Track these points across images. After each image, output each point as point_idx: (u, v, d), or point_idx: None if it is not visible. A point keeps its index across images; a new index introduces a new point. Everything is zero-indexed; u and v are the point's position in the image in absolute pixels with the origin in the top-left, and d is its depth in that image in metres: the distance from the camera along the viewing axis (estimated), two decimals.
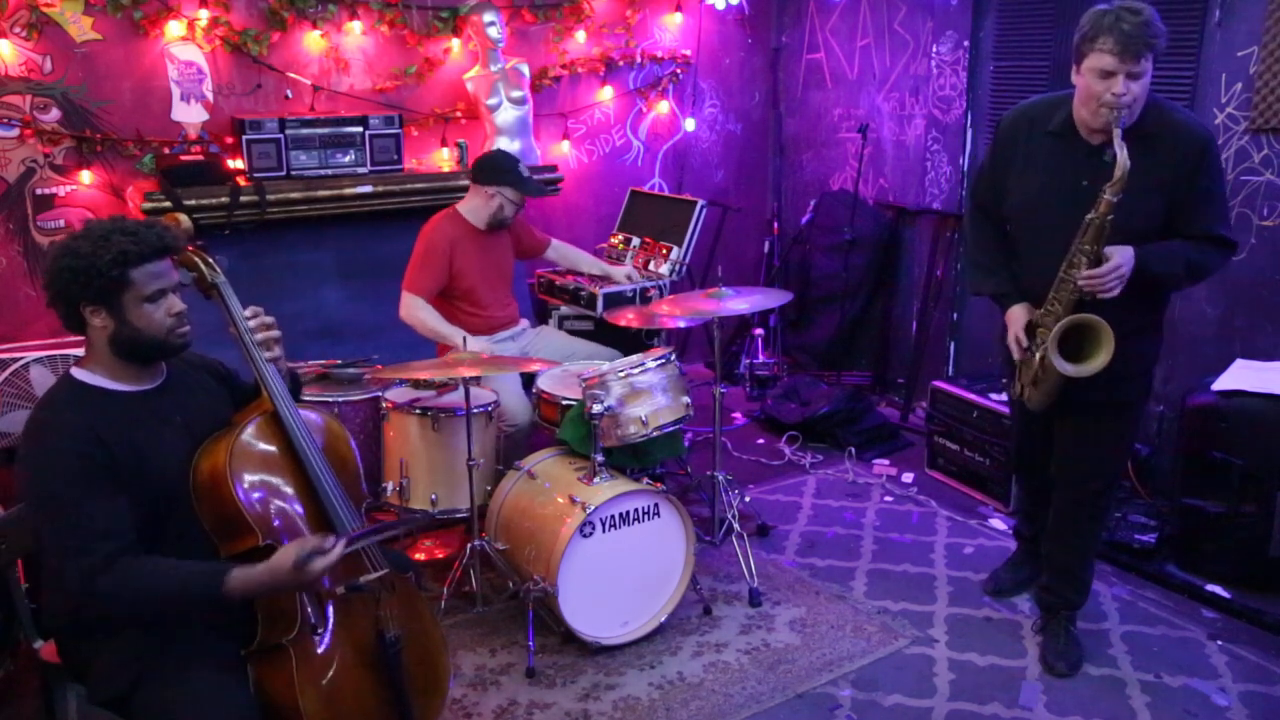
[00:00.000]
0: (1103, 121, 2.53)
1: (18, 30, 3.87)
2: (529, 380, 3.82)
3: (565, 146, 5.17)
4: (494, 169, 3.84)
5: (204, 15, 4.15)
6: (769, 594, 3.41)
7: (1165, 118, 2.61)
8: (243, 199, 4.00)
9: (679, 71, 5.44)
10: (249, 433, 2.13)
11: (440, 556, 3.66)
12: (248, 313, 2.23)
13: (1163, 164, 2.57)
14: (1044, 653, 3.05)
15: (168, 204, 3.80)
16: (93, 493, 1.92)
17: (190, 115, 4.25)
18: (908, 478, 4.38)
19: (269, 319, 2.27)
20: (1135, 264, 2.55)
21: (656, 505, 3.12)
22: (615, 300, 4.25)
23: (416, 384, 3.46)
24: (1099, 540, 3.16)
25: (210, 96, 4.27)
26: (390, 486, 3.36)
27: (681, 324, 3.94)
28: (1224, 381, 3.42)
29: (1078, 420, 2.88)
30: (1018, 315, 2.80)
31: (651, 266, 4.63)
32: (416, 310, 3.73)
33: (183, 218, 2.27)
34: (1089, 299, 2.59)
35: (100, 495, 1.92)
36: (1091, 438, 2.89)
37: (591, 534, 3.00)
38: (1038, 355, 2.73)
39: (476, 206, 3.87)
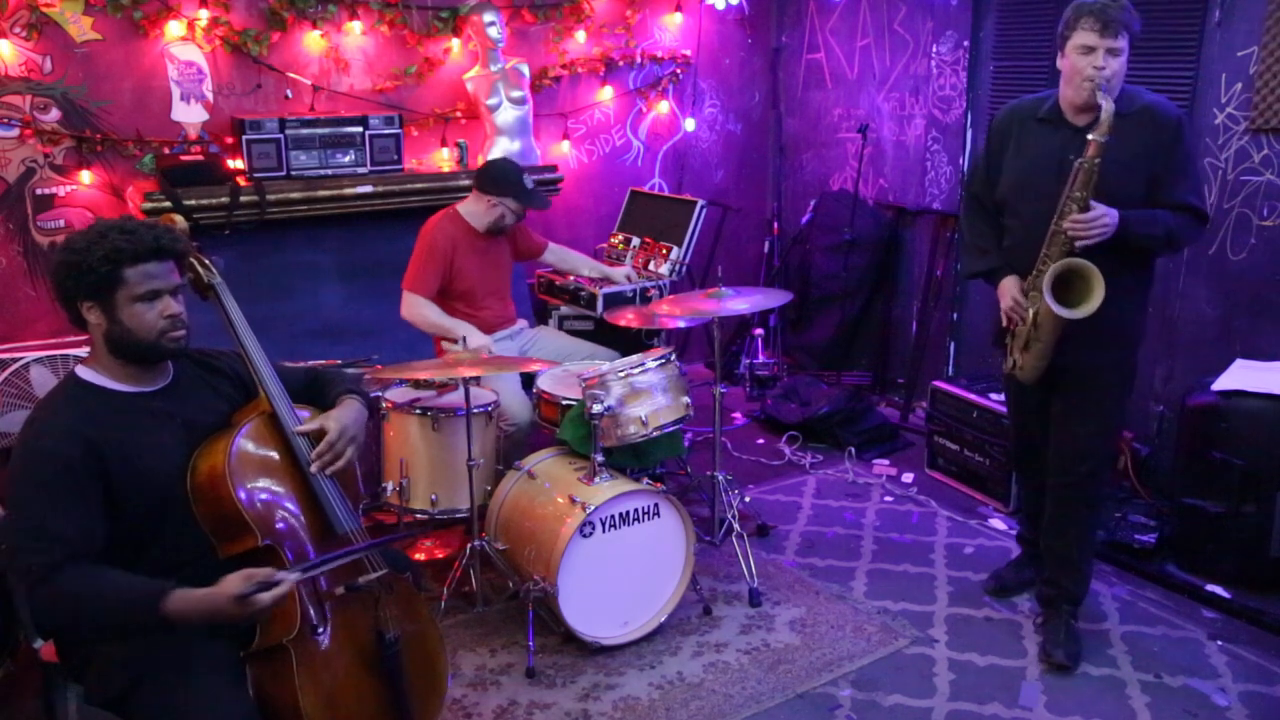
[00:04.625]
0: (1086, 95, 2.71)
1: (18, 30, 3.87)
2: (529, 380, 3.82)
3: (565, 146, 5.17)
4: (499, 180, 3.82)
5: (204, 15, 4.15)
6: (769, 594, 3.41)
7: (1139, 100, 2.80)
8: (243, 199, 4.00)
9: (679, 71, 5.44)
10: (247, 433, 2.12)
11: (440, 556, 3.66)
12: (302, 427, 2.18)
13: (1140, 141, 2.74)
14: (1043, 645, 3.06)
15: (168, 204, 3.80)
16: (60, 497, 1.91)
17: (190, 115, 4.25)
18: (908, 478, 4.38)
19: (336, 447, 2.18)
20: (1119, 224, 2.69)
21: (656, 505, 3.12)
22: (615, 300, 4.25)
23: (416, 384, 3.46)
24: (1095, 528, 3.22)
25: (210, 96, 4.27)
26: (390, 486, 3.36)
27: (681, 324, 3.94)
28: (1224, 381, 3.42)
29: (1067, 397, 2.98)
30: (1010, 285, 2.95)
31: (651, 266, 4.63)
32: (419, 308, 3.73)
33: (178, 218, 2.26)
34: (1078, 251, 2.71)
35: (66, 500, 1.91)
36: (1081, 416, 2.97)
37: (591, 534, 3.00)
38: (1031, 312, 2.84)
39: (477, 211, 3.87)
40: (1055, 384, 2.97)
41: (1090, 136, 2.64)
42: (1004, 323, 2.99)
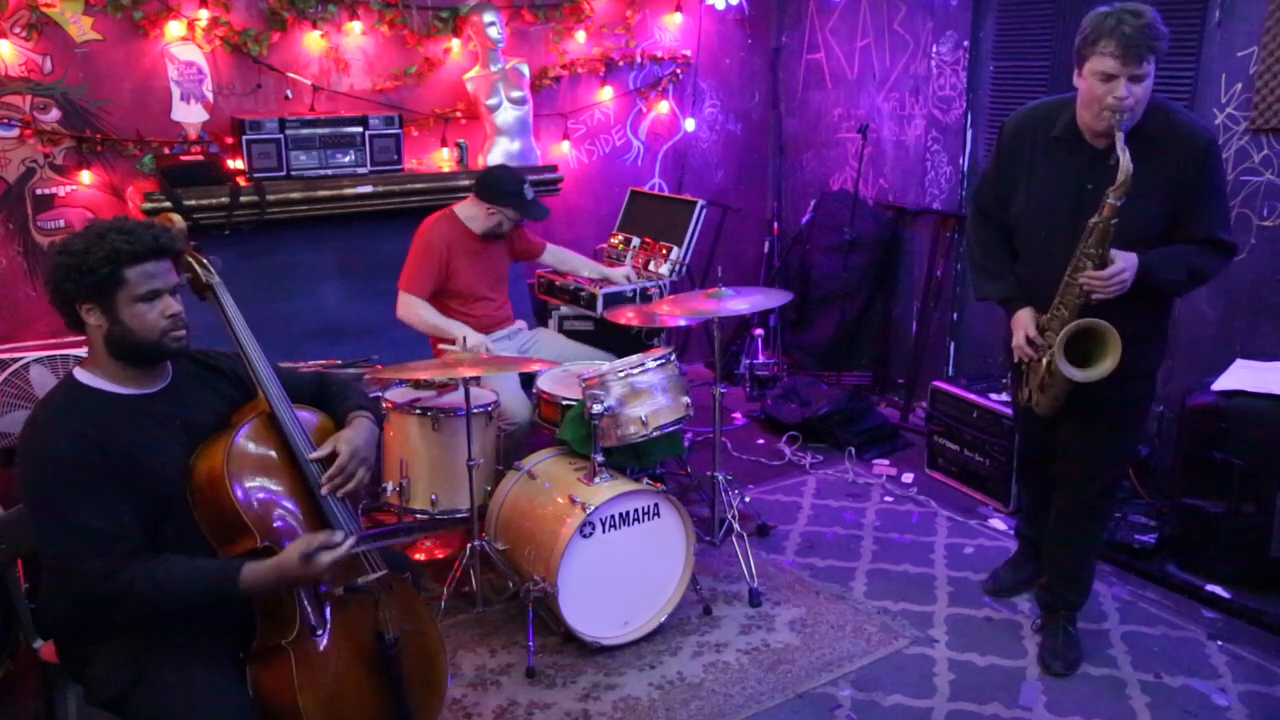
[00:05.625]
0: (1105, 125, 2.52)
1: (18, 30, 3.87)
2: (528, 379, 3.82)
3: (565, 146, 5.17)
4: (498, 190, 3.81)
5: (204, 15, 4.15)
6: (769, 594, 3.41)
7: (1168, 119, 2.61)
8: (243, 199, 4.00)
9: (679, 71, 5.44)
10: (246, 434, 2.12)
11: (440, 556, 3.66)
12: (316, 453, 2.17)
13: (1166, 166, 2.57)
14: (1042, 652, 3.05)
15: (167, 204, 3.80)
16: (89, 497, 1.91)
17: (190, 115, 4.25)
18: (908, 478, 4.38)
19: (348, 469, 2.17)
20: (1139, 270, 2.55)
21: (656, 505, 3.12)
22: (615, 300, 4.25)
23: (416, 384, 3.46)
24: (1100, 542, 3.16)
25: (210, 96, 4.27)
26: (390, 487, 3.36)
27: (682, 322, 3.93)
28: (1224, 381, 3.42)
29: (1081, 422, 2.87)
30: (1025, 319, 2.80)
31: (651, 267, 4.62)
32: (415, 308, 3.73)
33: (176, 218, 2.26)
34: (1094, 303, 2.59)
35: (97, 499, 1.92)
36: (1094, 439, 2.88)
37: (591, 534, 3.00)
38: (1044, 360, 2.72)
39: (476, 216, 3.87)
40: (1072, 408, 2.82)
41: (1108, 200, 2.47)
42: (1016, 358, 2.85)
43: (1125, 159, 2.44)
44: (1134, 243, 2.56)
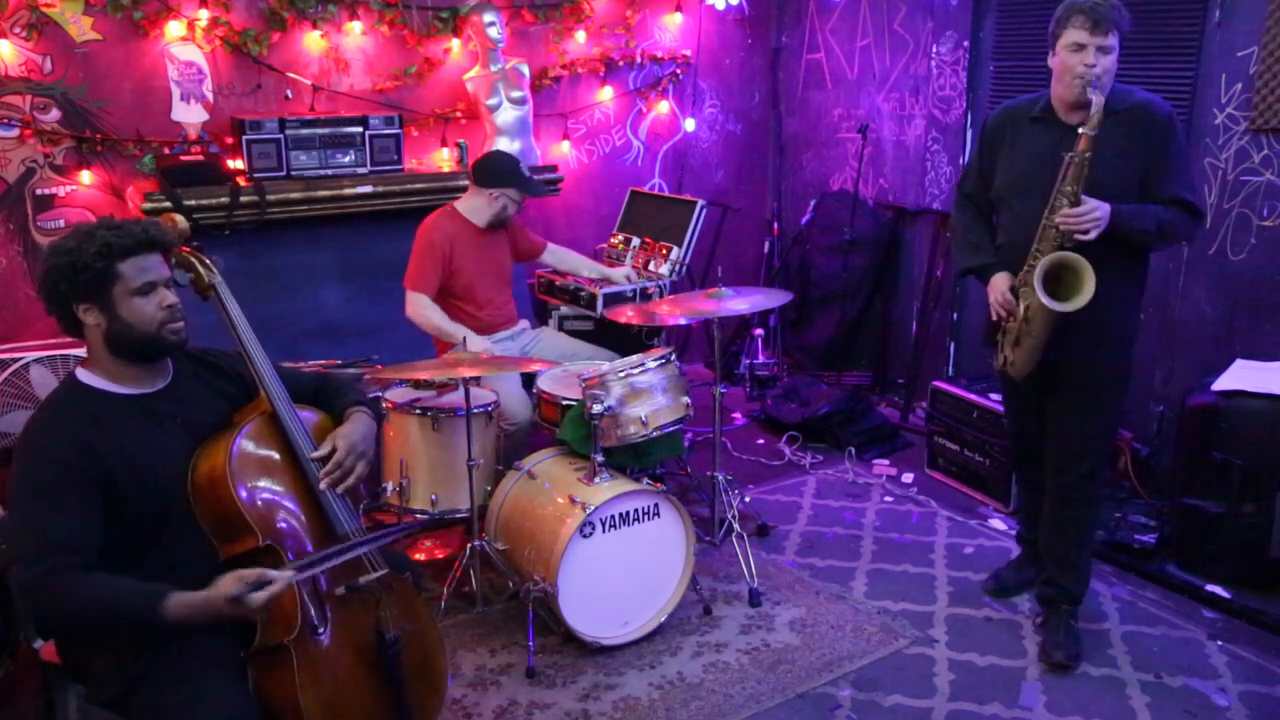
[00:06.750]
0: (1078, 92, 2.72)
1: (18, 30, 3.87)
2: (529, 380, 3.82)
3: (565, 146, 5.17)
4: (498, 172, 3.84)
5: (204, 15, 4.15)
6: (769, 594, 3.41)
7: (1130, 97, 2.83)
8: (243, 199, 4.01)
9: (679, 71, 5.44)
10: (247, 433, 2.12)
11: (440, 556, 3.66)
12: (316, 452, 2.17)
13: (1131, 136, 2.78)
14: (1043, 644, 3.06)
15: (167, 204, 3.80)
16: (58, 502, 1.90)
17: (190, 115, 4.25)
18: (908, 478, 4.38)
19: (345, 464, 2.17)
20: (1111, 219, 2.70)
21: (656, 505, 3.12)
22: (615, 300, 4.25)
23: (416, 384, 3.46)
24: (1094, 527, 3.22)
25: (210, 96, 4.27)
26: (390, 487, 3.36)
27: (682, 322, 3.93)
28: (1224, 381, 3.42)
29: (1063, 397, 2.99)
30: (1000, 280, 2.95)
31: (651, 267, 4.62)
32: (422, 308, 3.74)
33: (179, 218, 2.26)
34: (1069, 245, 2.72)
35: (64, 505, 1.91)
36: (1078, 415, 2.98)
37: (591, 534, 3.00)
38: (1022, 307, 2.85)
39: (478, 206, 3.88)
40: (1050, 383, 2.99)
41: (1081, 130, 2.67)
42: (994, 317, 3.00)
43: (1098, 98, 2.65)
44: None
